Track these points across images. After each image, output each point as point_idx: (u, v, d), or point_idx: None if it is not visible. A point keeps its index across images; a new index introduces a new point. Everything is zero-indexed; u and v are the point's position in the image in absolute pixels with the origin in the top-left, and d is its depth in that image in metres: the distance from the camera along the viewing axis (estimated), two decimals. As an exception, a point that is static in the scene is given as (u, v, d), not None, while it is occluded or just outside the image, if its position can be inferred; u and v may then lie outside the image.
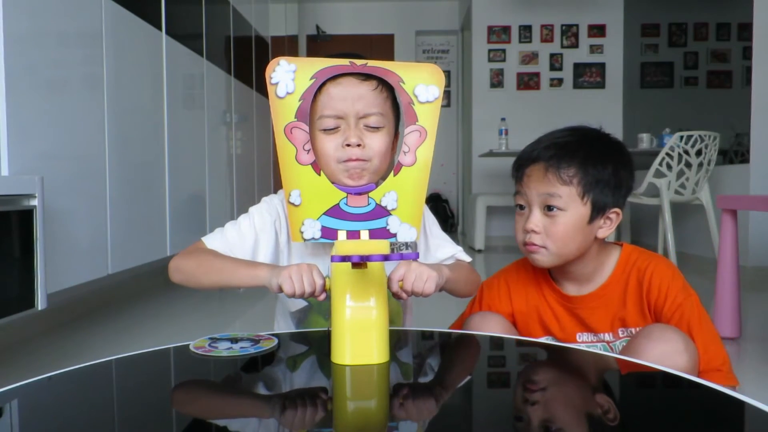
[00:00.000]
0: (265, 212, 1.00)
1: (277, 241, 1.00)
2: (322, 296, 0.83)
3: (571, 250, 1.03)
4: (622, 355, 0.94)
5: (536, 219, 1.02)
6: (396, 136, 0.97)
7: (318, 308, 1.02)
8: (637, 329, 1.04)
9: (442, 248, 1.05)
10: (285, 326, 1.07)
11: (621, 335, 1.07)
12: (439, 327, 0.99)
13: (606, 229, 1.05)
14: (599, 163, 1.01)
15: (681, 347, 0.91)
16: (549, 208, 1.01)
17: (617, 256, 1.09)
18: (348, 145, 0.89)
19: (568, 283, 1.10)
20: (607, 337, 1.08)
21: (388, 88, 0.92)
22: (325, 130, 0.90)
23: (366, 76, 0.89)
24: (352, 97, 0.88)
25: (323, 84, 0.87)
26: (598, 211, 1.02)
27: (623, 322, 1.06)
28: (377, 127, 0.91)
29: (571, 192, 1.00)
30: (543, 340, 1.10)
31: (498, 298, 1.14)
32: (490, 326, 1.04)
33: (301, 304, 1.04)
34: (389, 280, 0.83)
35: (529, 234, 1.03)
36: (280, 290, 0.83)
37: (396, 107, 0.96)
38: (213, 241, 0.97)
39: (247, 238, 0.98)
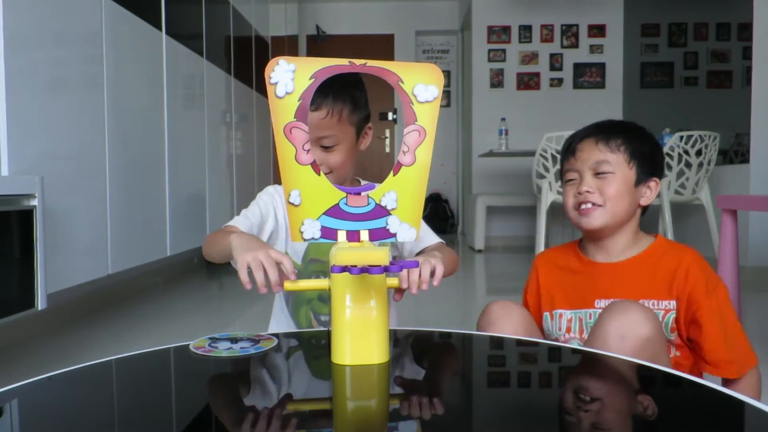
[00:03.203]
0: (264, 194, 1.15)
1: (276, 219, 1.12)
2: (278, 288, 0.81)
3: (623, 209, 1.12)
4: (589, 338, 0.98)
5: (589, 181, 1.12)
6: (369, 129, 1.11)
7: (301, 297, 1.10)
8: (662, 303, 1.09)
9: (428, 237, 1.14)
10: (285, 323, 1.08)
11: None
12: (439, 326, 0.99)
13: (647, 197, 1.15)
14: (641, 139, 1.15)
15: (641, 316, 0.94)
16: (598, 174, 1.12)
17: (651, 241, 1.16)
18: None
19: (598, 253, 1.17)
20: None
21: (339, 111, 1.03)
22: None
23: (316, 107, 1.01)
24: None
25: None
26: (641, 177, 1.13)
27: (647, 296, 1.10)
28: (330, 147, 1.04)
29: (618, 158, 1.12)
30: (560, 311, 1.15)
31: (532, 277, 1.25)
32: (510, 315, 1.08)
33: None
34: (400, 278, 0.84)
35: (584, 195, 1.13)
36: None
37: (353, 116, 1.07)
38: (236, 219, 1.09)
39: (257, 216, 1.10)
